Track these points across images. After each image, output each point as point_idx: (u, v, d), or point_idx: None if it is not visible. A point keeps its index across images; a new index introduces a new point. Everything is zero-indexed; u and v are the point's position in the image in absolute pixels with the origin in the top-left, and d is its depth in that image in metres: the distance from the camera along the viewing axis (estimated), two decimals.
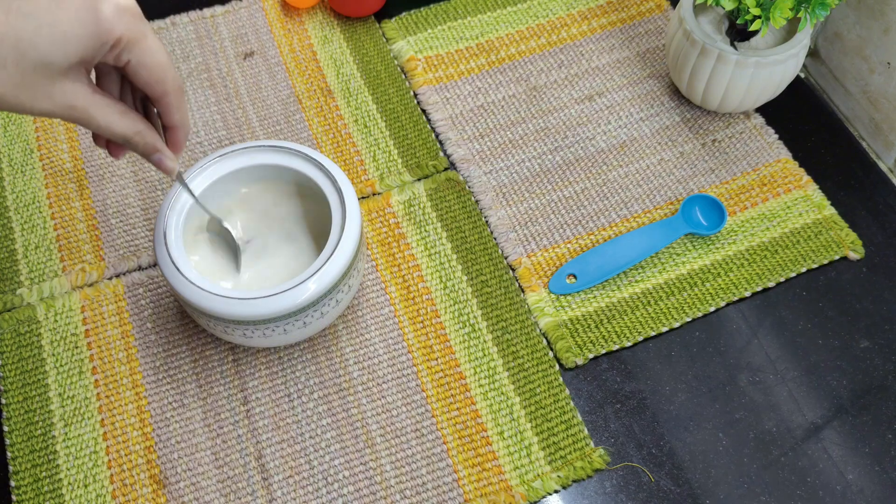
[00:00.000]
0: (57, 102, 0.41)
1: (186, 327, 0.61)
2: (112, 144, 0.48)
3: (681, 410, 0.58)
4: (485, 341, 0.60)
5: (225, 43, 0.76)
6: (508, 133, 0.71)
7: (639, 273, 0.63)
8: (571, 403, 0.58)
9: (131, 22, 0.41)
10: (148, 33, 0.42)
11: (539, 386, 0.58)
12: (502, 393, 0.58)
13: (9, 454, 0.56)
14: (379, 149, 0.70)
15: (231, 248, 0.58)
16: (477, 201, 0.67)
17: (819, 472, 0.55)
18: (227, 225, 0.56)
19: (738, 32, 0.65)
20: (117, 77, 0.47)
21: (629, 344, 0.60)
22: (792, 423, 0.57)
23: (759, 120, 0.71)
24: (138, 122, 0.45)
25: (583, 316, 0.61)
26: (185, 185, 0.53)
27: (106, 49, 0.41)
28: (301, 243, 0.59)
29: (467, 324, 0.61)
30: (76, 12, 0.39)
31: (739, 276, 0.63)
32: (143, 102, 0.48)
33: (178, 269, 0.51)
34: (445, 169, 0.69)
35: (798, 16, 0.61)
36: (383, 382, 0.58)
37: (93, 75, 0.44)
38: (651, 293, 0.62)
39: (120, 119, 0.44)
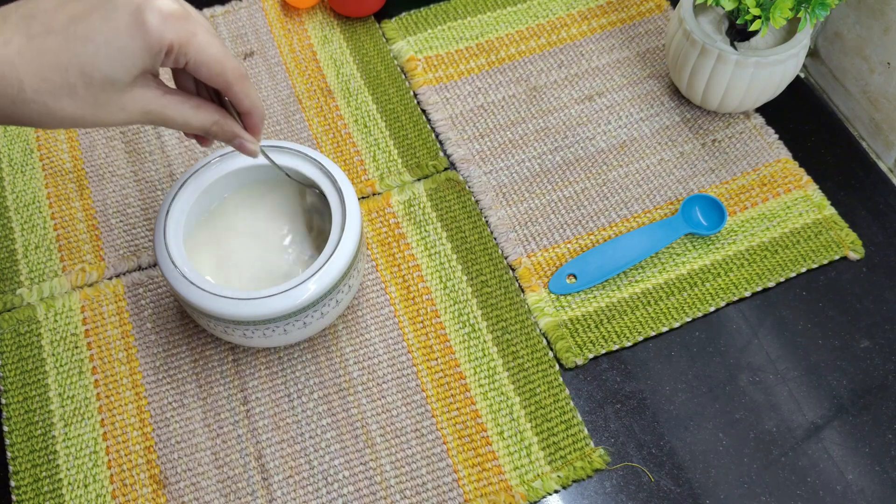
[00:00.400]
0: (131, 112, 0.43)
1: (186, 327, 0.61)
2: (198, 136, 0.51)
3: (681, 410, 0.58)
4: (485, 341, 0.60)
5: (225, 43, 0.76)
6: (508, 133, 0.71)
7: (639, 273, 0.63)
8: (571, 403, 0.58)
9: (178, 25, 0.42)
10: (198, 31, 0.43)
11: (539, 386, 0.58)
12: (502, 393, 0.58)
13: (9, 454, 0.56)
14: (379, 149, 0.70)
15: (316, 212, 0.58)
16: (477, 201, 0.67)
17: (819, 472, 0.55)
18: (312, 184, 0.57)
19: (738, 32, 0.65)
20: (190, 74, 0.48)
21: (629, 344, 0.60)
22: (792, 423, 0.57)
23: (759, 120, 0.71)
24: (214, 113, 0.47)
25: (583, 316, 0.61)
26: (271, 160, 0.54)
27: (161, 57, 0.42)
28: (301, 243, 0.59)
29: (467, 324, 0.61)
30: (126, 27, 0.40)
31: (739, 276, 0.63)
32: (217, 91, 0.50)
33: (178, 269, 0.51)
34: (445, 169, 0.69)
35: (798, 16, 0.61)
36: (383, 382, 0.58)
37: (170, 74, 0.47)
38: (651, 293, 0.62)
39: (195, 113, 0.46)
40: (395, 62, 0.76)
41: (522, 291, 0.63)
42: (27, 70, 0.40)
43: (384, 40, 0.77)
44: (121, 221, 0.66)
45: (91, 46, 0.40)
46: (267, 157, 0.54)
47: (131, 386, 0.58)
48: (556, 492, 0.55)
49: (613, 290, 0.62)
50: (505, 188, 0.68)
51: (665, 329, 0.61)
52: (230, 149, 0.56)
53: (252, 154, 0.51)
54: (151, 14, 0.41)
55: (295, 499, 0.54)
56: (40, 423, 0.57)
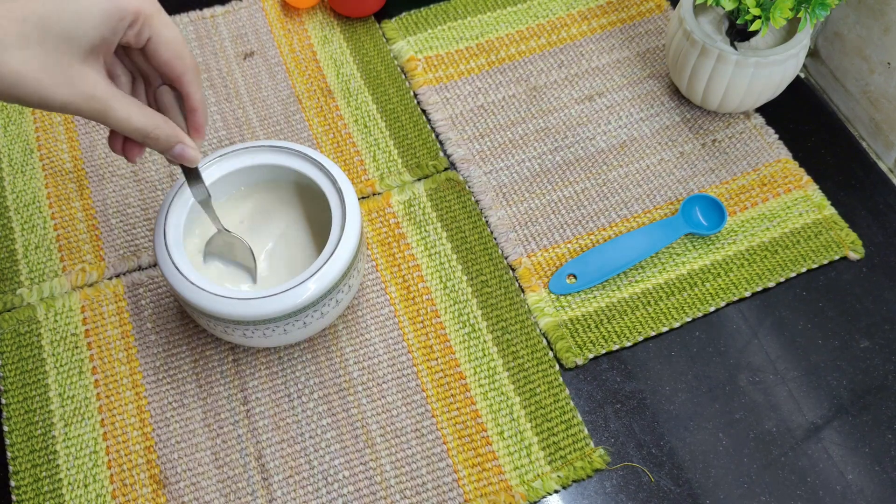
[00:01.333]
0: (78, 90, 0.41)
1: (186, 327, 0.61)
2: (129, 145, 0.48)
3: (681, 410, 0.58)
4: (485, 341, 0.60)
5: (225, 43, 0.76)
6: (508, 133, 0.71)
7: (639, 273, 0.63)
8: (571, 403, 0.58)
9: (138, 4, 0.42)
10: (161, 10, 0.43)
11: (539, 386, 0.58)
12: (502, 393, 0.58)
13: (9, 454, 0.56)
14: (379, 149, 0.70)
15: (242, 258, 0.57)
16: (477, 201, 0.67)
17: (819, 472, 0.55)
18: (237, 235, 0.56)
19: (738, 32, 0.65)
20: (128, 79, 0.47)
21: (629, 344, 0.60)
22: (792, 423, 0.57)
23: (759, 120, 0.71)
24: (156, 117, 0.45)
25: (583, 316, 0.61)
26: (202, 185, 0.52)
27: (125, 25, 0.41)
28: (301, 243, 0.59)
29: (467, 324, 0.61)
30: None
31: (739, 276, 0.63)
32: (156, 98, 0.49)
33: (178, 269, 0.51)
34: (445, 169, 0.69)
35: (798, 16, 0.61)
36: (383, 382, 0.58)
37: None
38: (651, 293, 0.62)
39: (139, 112, 0.44)
40: (395, 62, 0.76)
41: (522, 291, 0.63)
42: None
43: (384, 40, 0.77)
44: (121, 221, 0.66)
45: (57, 1, 0.40)
46: (192, 180, 0.51)
47: (131, 386, 0.58)
48: (556, 492, 0.55)
49: (613, 290, 0.62)
50: (505, 188, 0.68)
51: (665, 329, 0.61)
52: (230, 149, 0.56)
53: (193, 161, 0.48)
54: None
55: (295, 499, 0.54)
56: (40, 423, 0.57)
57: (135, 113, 0.44)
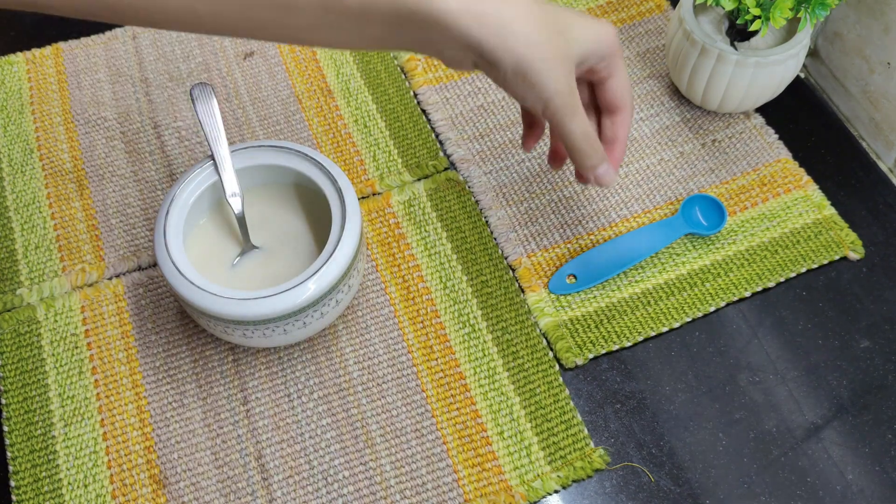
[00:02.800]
0: (568, 84, 0.46)
1: (186, 327, 0.61)
2: (554, 154, 0.57)
3: (681, 410, 0.58)
4: (485, 341, 0.60)
5: (225, 43, 0.76)
6: (508, 133, 0.71)
7: (639, 273, 0.63)
8: (571, 403, 0.58)
9: (618, 44, 0.49)
10: (622, 52, 0.50)
11: (539, 386, 0.58)
12: (502, 393, 0.58)
13: (9, 454, 0.56)
14: (379, 149, 0.70)
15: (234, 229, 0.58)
16: (477, 201, 0.67)
17: (819, 472, 0.55)
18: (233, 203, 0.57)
19: (738, 32, 0.65)
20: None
21: (629, 344, 0.60)
22: (792, 423, 0.57)
23: (759, 120, 0.71)
24: (592, 125, 0.51)
25: (583, 316, 0.61)
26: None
27: (601, 55, 0.48)
28: (301, 243, 0.59)
29: (467, 324, 0.61)
30: (599, 24, 0.48)
31: (739, 276, 0.63)
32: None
33: (178, 270, 0.51)
34: (445, 169, 0.69)
35: (798, 16, 0.61)
36: (383, 382, 0.58)
37: None
38: (651, 293, 0.62)
39: (587, 122, 0.48)
40: (395, 62, 0.76)
41: (522, 291, 0.63)
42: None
43: None
44: (121, 221, 0.66)
45: (570, 22, 0.46)
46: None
47: (131, 386, 0.58)
48: (556, 492, 0.55)
49: (613, 290, 0.62)
50: (505, 188, 0.68)
51: (665, 329, 0.61)
52: (230, 149, 0.56)
53: (610, 184, 0.52)
54: (614, 29, 0.49)
55: (295, 499, 0.54)
56: (40, 423, 0.57)
57: (587, 121, 0.48)
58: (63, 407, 0.58)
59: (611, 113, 0.52)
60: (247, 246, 0.57)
